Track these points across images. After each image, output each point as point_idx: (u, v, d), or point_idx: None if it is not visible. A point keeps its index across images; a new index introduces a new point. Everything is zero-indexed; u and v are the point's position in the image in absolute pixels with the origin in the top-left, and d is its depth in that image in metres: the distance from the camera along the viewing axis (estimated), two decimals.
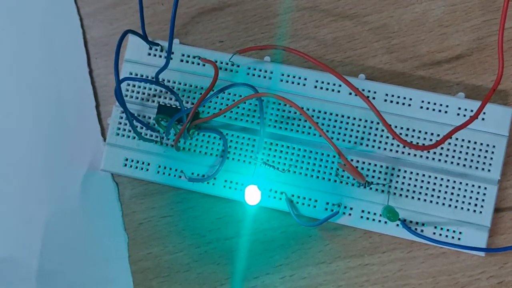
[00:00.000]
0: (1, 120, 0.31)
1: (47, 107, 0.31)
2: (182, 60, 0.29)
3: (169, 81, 0.29)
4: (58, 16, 0.31)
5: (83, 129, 0.31)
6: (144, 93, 0.29)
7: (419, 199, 0.28)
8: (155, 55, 0.30)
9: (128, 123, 0.26)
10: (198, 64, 0.29)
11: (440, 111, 0.28)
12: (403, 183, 0.28)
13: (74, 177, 0.30)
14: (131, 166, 0.29)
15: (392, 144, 0.28)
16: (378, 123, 0.28)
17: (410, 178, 0.28)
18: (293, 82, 0.29)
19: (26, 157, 0.31)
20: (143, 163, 0.29)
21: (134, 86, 0.30)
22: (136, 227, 0.30)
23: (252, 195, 0.27)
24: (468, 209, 0.27)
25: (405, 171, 0.28)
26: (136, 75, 0.29)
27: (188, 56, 0.29)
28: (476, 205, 0.27)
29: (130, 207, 0.30)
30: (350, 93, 0.28)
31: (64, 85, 0.31)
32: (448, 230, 0.27)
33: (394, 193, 0.28)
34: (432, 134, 0.28)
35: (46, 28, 0.31)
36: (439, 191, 0.27)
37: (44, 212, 0.30)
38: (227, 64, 0.29)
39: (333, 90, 0.28)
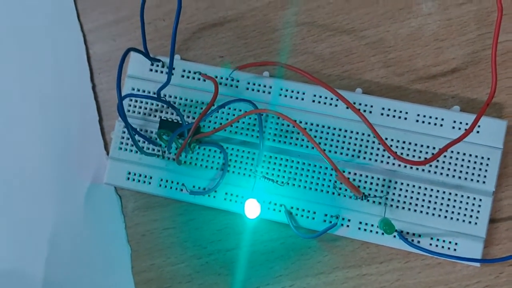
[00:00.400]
0: (7, 134, 0.32)
1: (51, 122, 0.31)
2: (183, 76, 0.30)
3: (170, 96, 0.30)
4: (62, 32, 0.32)
5: (86, 143, 0.31)
6: (146, 108, 0.30)
7: (415, 210, 0.28)
8: (156, 71, 0.30)
9: (130, 137, 0.26)
10: (199, 79, 0.30)
11: (435, 124, 0.28)
12: (399, 195, 0.28)
13: (78, 191, 0.31)
14: (133, 180, 0.30)
15: (389, 157, 0.28)
16: (374, 136, 0.28)
17: (407, 190, 0.28)
18: (291, 97, 0.29)
19: (31, 171, 0.31)
20: (145, 176, 0.30)
21: (136, 101, 0.30)
22: (139, 239, 0.30)
23: (252, 209, 0.28)
24: (464, 220, 0.28)
25: (402, 183, 0.28)
26: (138, 90, 0.30)
27: (189, 72, 0.30)
28: (471, 216, 0.28)
29: (133, 219, 0.31)
30: (347, 107, 0.29)
31: (68, 100, 0.32)
32: (444, 241, 0.28)
33: (391, 205, 0.28)
34: (428, 147, 0.28)
35: (50, 44, 0.32)
36: (435, 202, 0.28)
37: (49, 225, 0.31)
38: (226, 79, 0.30)
39: (330, 104, 0.29)
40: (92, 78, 0.32)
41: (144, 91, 0.30)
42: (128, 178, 0.30)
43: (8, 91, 0.32)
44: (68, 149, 0.31)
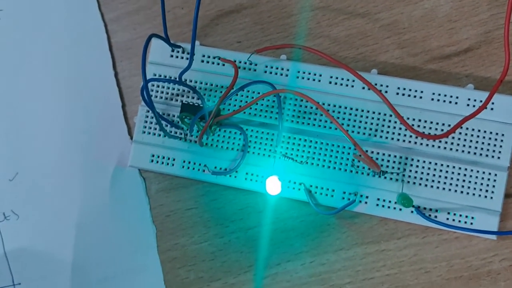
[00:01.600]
0: (36, 122, 0.33)
1: (76, 109, 0.33)
2: (202, 61, 0.31)
3: (191, 81, 0.31)
4: (84, 23, 0.33)
5: (110, 129, 0.32)
6: (167, 93, 0.31)
7: (432, 186, 0.29)
8: (177, 57, 0.31)
9: (156, 120, 0.28)
10: (218, 64, 0.31)
11: (450, 102, 0.29)
12: (416, 171, 0.29)
13: (103, 174, 0.32)
14: (157, 162, 0.31)
15: (405, 135, 0.29)
16: (390, 115, 0.29)
17: (423, 167, 0.29)
18: (308, 79, 0.30)
19: (59, 157, 0.32)
20: (168, 158, 0.31)
21: (158, 86, 0.31)
22: (163, 219, 0.32)
23: (273, 186, 0.29)
24: (480, 195, 0.29)
25: (418, 160, 0.29)
26: (160, 75, 0.31)
27: (209, 57, 0.31)
28: (487, 191, 0.29)
29: (157, 200, 0.32)
30: (363, 88, 0.30)
31: (92, 88, 0.33)
32: (460, 215, 0.29)
33: (408, 182, 0.29)
34: (443, 124, 0.29)
35: (72, 35, 0.33)
36: (451, 178, 0.29)
37: (77, 208, 0.32)
38: (245, 63, 0.31)
39: (347, 85, 0.30)
40: (114, 66, 0.33)
41: (165, 76, 0.31)
42: (152, 161, 0.31)
43: (34, 80, 0.33)
44: (93, 135, 0.32)
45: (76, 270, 0.32)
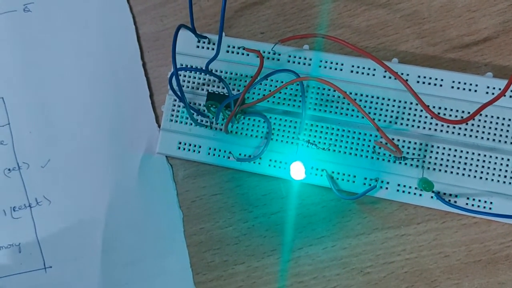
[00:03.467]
0: (67, 111, 0.34)
1: (106, 99, 0.34)
2: (228, 51, 0.32)
3: (216, 71, 0.32)
4: (113, 15, 0.35)
5: (139, 117, 0.34)
6: (194, 83, 0.32)
7: (451, 172, 0.30)
8: (203, 47, 0.32)
9: (184, 109, 0.29)
10: (243, 54, 0.32)
11: (470, 90, 0.30)
12: (436, 158, 0.30)
13: (132, 161, 0.33)
14: (184, 149, 0.32)
15: (425, 122, 0.30)
16: (411, 103, 0.30)
17: (443, 153, 0.30)
18: (330, 68, 0.31)
19: (89, 145, 0.34)
20: (195, 146, 0.32)
21: (184, 76, 0.32)
22: (189, 205, 0.33)
23: (297, 171, 0.30)
24: (498, 181, 0.29)
25: (438, 147, 0.30)
26: (187, 65, 0.32)
27: (233, 47, 0.32)
28: (505, 176, 0.29)
29: (183, 186, 0.33)
30: (384, 76, 0.30)
31: (121, 77, 0.34)
32: (479, 200, 0.29)
33: (428, 168, 0.30)
34: (463, 111, 0.30)
35: (102, 27, 0.35)
36: (471, 164, 0.30)
37: (106, 194, 0.33)
38: (269, 53, 0.32)
39: (368, 74, 0.31)
40: (142, 56, 0.34)
41: (192, 66, 0.32)
42: (179, 148, 0.32)
43: (65, 71, 0.34)
44: (122, 123, 0.34)
45: (105, 253, 0.33)
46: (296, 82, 0.28)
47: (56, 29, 0.35)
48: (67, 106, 0.34)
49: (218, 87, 0.32)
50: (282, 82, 0.31)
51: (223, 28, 0.29)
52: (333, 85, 0.27)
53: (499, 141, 0.29)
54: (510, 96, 0.30)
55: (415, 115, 0.30)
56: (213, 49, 0.32)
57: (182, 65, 0.32)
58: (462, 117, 0.30)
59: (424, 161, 0.30)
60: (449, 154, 0.30)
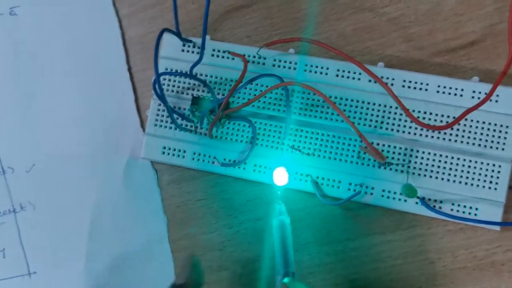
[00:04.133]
0: (51, 115, 0.34)
1: (91, 103, 0.34)
2: (213, 55, 0.32)
3: (201, 75, 0.32)
4: (98, 18, 0.34)
5: (124, 122, 0.33)
6: (179, 87, 0.32)
7: (436, 178, 0.29)
8: (188, 51, 0.32)
9: (167, 113, 0.28)
10: (228, 58, 0.32)
11: (455, 94, 0.30)
12: (421, 163, 0.30)
13: (117, 166, 0.33)
14: (168, 154, 0.32)
15: (411, 127, 0.30)
16: (396, 107, 0.30)
17: (428, 159, 0.29)
18: (316, 72, 0.31)
19: (74, 149, 0.34)
20: (179, 150, 0.32)
21: (169, 80, 0.32)
22: (174, 210, 0.32)
23: (280, 177, 0.29)
24: (484, 186, 0.29)
25: (423, 152, 0.30)
26: (172, 70, 0.32)
27: (219, 51, 0.32)
28: (491, 182, 0.29)
29: (168, 191, 0.33)
30: (370, 80, 0.30)
31: (106, 82, 0.34)
32: (465, 206, 0.29)
33: (413, 173, 0.30)
34: (448, 116, 0.29)
35: (88, 31, 0.34)
36: (456, 170, 0.29)
37: (91, 199, 0.33)
38: (254, 57, 0.31)
39: (353, 78, 0.30)
40: (128, 60, 0.34)
41: (176, 70, 0.32)
42: (164, 153, 0.32)
43: (50, 75, 0.34)
44: (107, 128, 0.33)
45: (89, 259, 0.33)
46: (280, 86, 0.28)
47: (42, 33, 0.35)
48: (52, 110, 0.34)
49: (203, 91, 0.32)
50: (267, 86, 0.31)
51: (206, 32, 0.28)
52: (315, 90, 0.26)
53: (485, 146, 0.29)
54: (496, 101, 0.29)
55: (400, 120, 0.30)
56: (198, 53, 0.32)
57: (167, 69, 0.32)
58: (447, 121, 0.29)
59: (409, 167, 0.30)
60: (434, 160, 0.29)
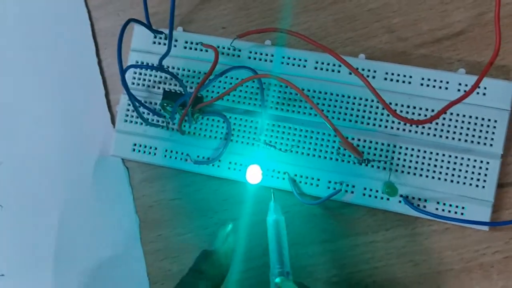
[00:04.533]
0: (18, 112, 0.32)
1: (59, 98, 0.32)
2: (185, 47, 0.30)
3: (173, 68, 0.30)
4: (67, 9, 0.33)
5: (93, 117, 0.32)
6: (150, 80, 0.31)
7: (421, 175, 0.28)
8: (159, 43, 0.31)
9: (133, 108, 0.27)
10: (201, 50, 0.30)
11: (440, 87, 0.28)
12: (404, 159, 0.28)
13: (87, 163, 0.32)
14: (139, 151, 0.30)
15: (393, 122, 0.28)
16: (378, 101, 0.28)
17: (412, 155, 0.28)
18: (293, 64, 0.29)
19: (42, 147, 0.32)
20: (150, 147, 0.30)
21: (140, 74, 0.31)
22: (147, 210, 0.31)
23: (254, 175, 0.28)
24: (471, 184, 0.27)
25: (407, 148, 0.28)
26: (142, 63, 0.30)
27: (192, 43, 0.30)
28: (478, 180, 0.27)
29: (140, 190, 0.31)
30: (350, 73, 0.29)
31: (75, 75, 0.32)
32: (451, 205, 0.27)
33: (396, 170, 0.28)
34: (432, 110, 0.28)
35: (56, 22, 0.33)
36: (441, 167, 0.28)
37: (60, 198, 0.32)
38: (229, 49, 0.30)
39: (333, 71, 0.29)
40: (98, 53, 0.32)
41: (147, 63, 0.30)
42: (134, 150, 0.30)
43: (15, 70, 0.33)
44: (76, 124, 0.32)
45: (59, 261, 0.31)
46: (252, 79, 0.26)
47: (7, 24, 0.33)
48: (18, 106, 0.32)
49: (176, 85, 0.30)
50: (242, 79, 0.29)
51: (173, 23, 0.27)
52: (288, 82, 0.25)
53: (472, 141, 0.28)
54: (484, 94, 0.28)
55: (382, 114, 0.28)
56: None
57: (137, 62, 0.31)
58: (431, 116, 0.28)
59: (391, 163, 0.28)
60: (418, 156, 0.28)
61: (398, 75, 0.28)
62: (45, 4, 0.33)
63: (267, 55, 0.30)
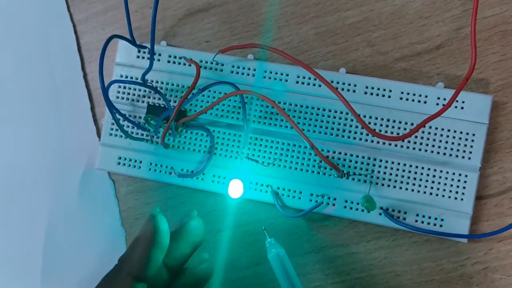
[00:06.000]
0: (3, 124, 0.33)
1: (44, 111, 0.32)
2: (169, 61, 0.31)
3: (157, 82, 0.31)
4: (52, 23, 0.33)
5: (79, 130, 0.32)
6: (134, 94, 0.31)
7: (400, 188, 0.28)
8: (143, 58, 0.31)
9: (115, 122, 0.27)
10: (185, 64, 0.30)
11: (419, 101, 0.28)
12: (384, 172, 0.28)
13: (72, 176, 0.32)
14: (124, 164, 0.31)
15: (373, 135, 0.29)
16: (359, 115, 0.29)
17: (392, 168, 0.28)
18: (275, 78, 0.30)
19: (27, 159, 0.32)
20: (135, 161, 0.30)
21: (125, 88, 0.31)
22: (132, 222, 0.31)
23: (235, 189, 0.28)
24: (450, 197, 0.28)
25: (387, 161, 0.28)
26: (127, 77, 0.31)
27: (175, 57, 0.31)
28: (457, 192, 0.28)
29: (126, 203, 0.31)
30: None
31: (60, 89, 0.32)
32: (430, 217, 0.28)
33: (376, 183, 0.28)
34: (412, 124, 0.28)
35: (40, 36, 0.33)
36: (420, 179, 0.28)
37: (46, 211, 0.32)
38: (212, 63, 0.30)
39: (314, 85, 0.29)
40: (83, 67, 0.33)
41: (132, 78, 0.31)
42: (119, 163, 0.31)
43: (3, 82, 0.33)
44: (62, 137, 0.32)
45: (45, 272, 0.32)
46: (233, 95, 0.27)
47: None
48: (3, 118, 0.33)
49: (160, 99, 0.31)
50: (225, 93, 0.30)
51: (154, 39, 0.27)
52: (264, 97, 0.25)
53: (450, 155, 0.28)
54: (462, 108, 0.28)
55: (362, 127, 0.29)
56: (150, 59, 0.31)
57: (121, 76, 0.31)
58: (411, 129, 0.28)
59: (372, 176, 0.28)
60: (398, 169, 0.28)
61: (378, 89, 0.29)
62: (31, 18, 0.33)
63: (249, 69, 0.30)
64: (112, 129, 0.31)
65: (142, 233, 0.23)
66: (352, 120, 0.29)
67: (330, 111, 0.29)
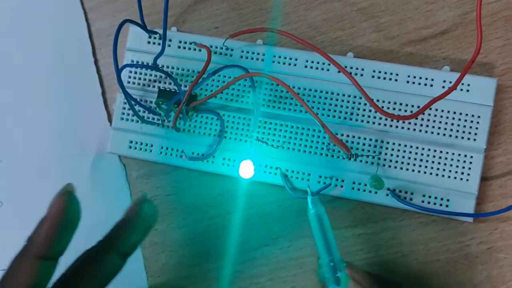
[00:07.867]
0: (17, 111, 0.33)
1: (57, 97, 0.33)
2: (179, 47, 0.31)
3: (168, 67, 0.31)
4: (64, 11, 0.34)
5: (91, 116, 0.33)
6: (145, 79, 0.31)
7: (407, 169, 0.29)
8: (154, 43, 0.31)
9: (129, 106, 0.28)
10: (195, 49, 0.31)
11: (426, 84, 0.29)
12: (392, 154, 0.29)
13: (85, 161, 0.32)
14: (135, 148, 0.31)
15: (381, 118, 0.29)
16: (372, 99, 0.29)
17: (399, 150, 0.29)
18: (284, 63, 0.30)
19: (41, 145, 0.33)
20: (146, 144, 0.31)
21: (136, 73, 0.31)
22: None
23: (246, 169, 0.29)
24: (455, 178, 0.28)
25: (394, 143, 0.29)
26: (138, 62, 0.31)
27: (185, 43, 0.31)
28: (463, 173, 0.28)
29: (137, 186, 0.32)
30: (339, 71, 0.29)
31: (72, 75, 0.33)
32: (436, 198, 0.29)
33: (384, 165, 0.29)
34: (418, 107, 0.29)
35: (53, 24, 0.34)
36: (427, 161, 0.29)
37: None
38: (221, 48, 0.31)
39: (322, 69, 0.30)
40: (95, 53, 0.33)
41: (143, 63, 0.31)
42: (130, 147, 0.31)
43: (14, 69, 0.34)
44: (74, 122, 0.33)
45: None
46: (244, 78, 0.27)
47: (5, 25, 0.34)
48: (16, 105, 0.33)
49: (171, 83, 0.31)
50: (235, 77, 0.30)
51: (166, 24, 0.28)
52: (280, 81, 0.26)
53: (456, 136, 0.29)
54: (468, 90, 0.29)
55: (370, 111, 0.29)
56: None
57: (132, 61, 0.31)
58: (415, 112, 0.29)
59: (379, 158, 0.29)
60: (404, 151, 0.29)
61: (385, 73, 0.29)
62: (43, 5, 0.34)
63: (258, 54, 0.30)
64: (123, 113, 0.31)
65: (48, 212, 0.23)
66: (359, 104, 0.29)
67: (338, 94, 0.30)
